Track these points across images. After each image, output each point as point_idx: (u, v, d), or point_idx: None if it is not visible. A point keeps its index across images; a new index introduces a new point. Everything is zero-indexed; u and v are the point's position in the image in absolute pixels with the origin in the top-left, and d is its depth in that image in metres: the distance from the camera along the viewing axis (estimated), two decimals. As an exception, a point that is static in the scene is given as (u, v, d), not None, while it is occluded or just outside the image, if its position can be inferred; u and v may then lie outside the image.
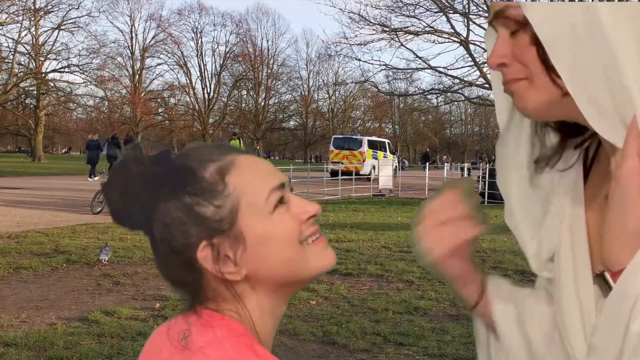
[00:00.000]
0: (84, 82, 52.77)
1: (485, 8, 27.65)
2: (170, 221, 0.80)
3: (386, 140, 36.74)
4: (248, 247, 0.80)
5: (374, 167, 28.71)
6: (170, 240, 0.81)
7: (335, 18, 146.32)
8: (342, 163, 28.65)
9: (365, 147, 31.06)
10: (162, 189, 0.81)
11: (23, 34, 46.90)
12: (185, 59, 65.73)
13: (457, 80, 29.25)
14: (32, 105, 51.61)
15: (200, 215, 0.80)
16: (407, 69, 30.33)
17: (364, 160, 30.25)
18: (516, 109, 0.95)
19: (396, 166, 30.73)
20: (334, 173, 26.40)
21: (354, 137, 33.62)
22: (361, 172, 28.52)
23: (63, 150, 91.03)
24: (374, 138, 34.72)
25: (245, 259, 0.81)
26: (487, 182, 21.04)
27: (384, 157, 31.85)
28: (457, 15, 27.97)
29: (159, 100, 67.84)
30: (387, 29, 28.31)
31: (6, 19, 41.63)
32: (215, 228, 0.80)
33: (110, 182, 0.83)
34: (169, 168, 0.82)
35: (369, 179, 26.20)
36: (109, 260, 8.58)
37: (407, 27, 28.46)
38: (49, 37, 49.90)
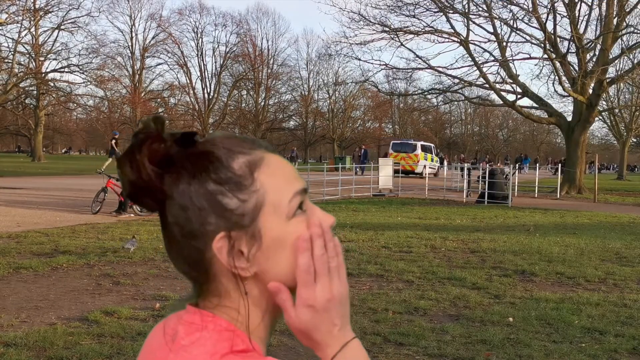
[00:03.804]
0: (84, 82, 52.84)
1: (485, 8, 27.66)
2: (189, 205, 0.78)
3: (432, 145, 43.98)
4: (263, 247, 0.79)
5: (424, 167, 36.95)
6: (185, 224, 0.78)
7: (335, 18, 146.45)
8: (399, 163, 34.58)
9: (419, 150, 37.98)
10: (183, 170, 0.79)
11: (23, 34, 46.95)
12: (186, 59, 65.77)
13: (456, 80, 29.25)
14: (32, 105, 51.62)
15: (223, 205, 0.78)
16: (407, 68, 30.38)
17: (418, 161, 37.34)
18: None
19: (439, 166, 38.41)
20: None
21: (409, 142, 40.28)
22: (416, 171, 35.84)
23: (63, 150, 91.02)
24: (423, 142, 41.79)
25: (258, 258, 0.79)
26: (487, 182, 21.04)
27: (432, 159, 39.64)
28: (457, 15, 27.97)
29: (158, 100, 67.85)
30: (387, 29, 28.32)
31: (6, 19, 41.61)
32: (235, 222, 0.78)
33: (126, 156, 0.78)
34: (194, 151, 0.79)
35: (422, 177, 31.06)
36: (133, 251, 9.10)
37: (407, 26, 28.47)
38: (48, 37, 50.00)
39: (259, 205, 0.79)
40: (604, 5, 27.16)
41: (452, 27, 28.29)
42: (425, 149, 39.64)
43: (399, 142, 40.82)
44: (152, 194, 0.79)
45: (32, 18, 46.17)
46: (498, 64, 28.10)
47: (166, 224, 0.81)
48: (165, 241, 0.83)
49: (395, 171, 33.17)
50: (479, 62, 27.91)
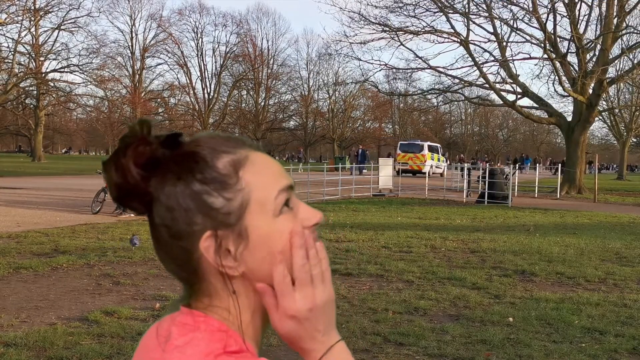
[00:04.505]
0: (84, 82, 52.88)
1: (485, 8, 27.65)
2: (175, 206, 0.78)
3: (438, 145, 45.66)
4: (250, 245, 0.79)
5: (431, 167, 38.22)
6: (171, 225, 0.79)
7: (335, 17, 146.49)
8: (407, 164, 38.29)
9: (426, 151, 39.38)
10: (168, 172, 0.79)
11: (23, 34, 46.95)
12: (186, 59, 65.79)
13: (456, 80, 29.24)
14: (32, 105, 51.61)
15: (209, 205, 0.78)
16: (407, 68, 30.35)
17: (425, 161, 38.48)
18: None
19: (445, 166, 39.80)
20: (399, 172, 35.71)
21: (416, 142, 41.85)
22: (423, 170, 36.72)
23: (63, 150, 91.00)
24: (430, 143, 43.09)
25: (245, 256, 0.79)
26: (487, 182, 21.03)
27: (438, 159, 41.18)
28: (457, 15, 27.96)
29: (158, 100, 67.85)
30: (387, 29, 28.31)
31: (6, 19, 41.61)
32: (221, 220, 0.78)
33: (112, 160, 0.79)
34: (179, 152, 0.80)
35: (429, 176, 32.79)
36: (139, 246, 9.47)
37: (407, 26, 28.46)
38: (48, 37, 49.98)
39: (244, 204, 0.79)
40: (604, 5, 27.16)
41: (452, 27, 28.30)
42: (432, 149, 41.13)
43: (406, 142, 42.18)
44: (138, 197, 0.80)
45: (32, 18, 46.17)
46: (498, 64, 28.09)
47: (154, 226, 0.81)
48: (154, 243, 0.83)
49: (403, 171, 36.85)
50: (479, 62, 27.91)
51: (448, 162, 48.72)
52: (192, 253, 0.79)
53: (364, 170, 32.28)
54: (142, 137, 0.79)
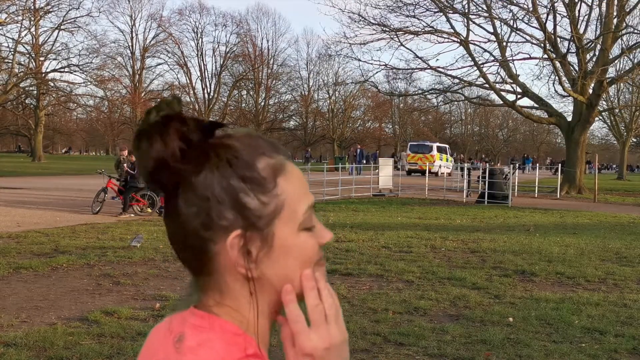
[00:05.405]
0: (84, 82, 52.84)
1: (485, 8, 27.65)
2: (210, 196, 0.77)
3: (446, 146, 47.63)
4: (271, 252, 0.79)
5: (440, 166, 39.82)
6: (199, 213, 0.77)
7: (335, 18, 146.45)
8: (416, 164, 40.11)
9: (435, 151, 41.32)
10: (205, 159, 0.77)
11: (23, 34, 46.94)
12: (186, 59, 65.83)
13: (456, 80, 29.23)
14: (32, 105, 51.61)
15: (243, 203, 0.77)
16: (407, 68, 30.34)
17: (434, 161, 39.69)
18: None
19: (453, 166, 41.26)
20: (409, 171, 39.19)
21: (426, 143, 43.88)
22: (431, 170, 36.80)
23: (63, 150, 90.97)
24: (438, 144, 45.16)
25: (264, 261, 0.79)
26: (487, 182, 21.03)
27: (447, 159, 42.93)
28: (457, 15, 27.95)
29: (158, 100, 67.69)
30: (387, 29, 28.30)
31: (6, 19, 41.60)
32: (252, 222, 0.78)
33: (156, 129, 0.77)
34: (217, 143, 0.78)
35: (436, 175, 33.57)
36: (141, 246, 9.49)
37: (407, 27, 28.45)
38: (48, 37, 49.98)
39: (277, 211, 0.79)
40: (604, 5, 27.16)
41: (452, 27, 28.28)
42: (440, 149, 42.87)
43: (416, 143, 43.93)
44: (172, 174, 0.77)
45: (32, 18, 46.16)
46: (498, 64, 28.09)
47: (176, 209, 0.79)
48: (169, 226, 0.81)
49: (413, 171, 39.74)
50: (479, 62, 27.90)
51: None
52: (211, 246, 0.78)
53: (360, 169, 32.19)
54: (180, 115, 0.77)
